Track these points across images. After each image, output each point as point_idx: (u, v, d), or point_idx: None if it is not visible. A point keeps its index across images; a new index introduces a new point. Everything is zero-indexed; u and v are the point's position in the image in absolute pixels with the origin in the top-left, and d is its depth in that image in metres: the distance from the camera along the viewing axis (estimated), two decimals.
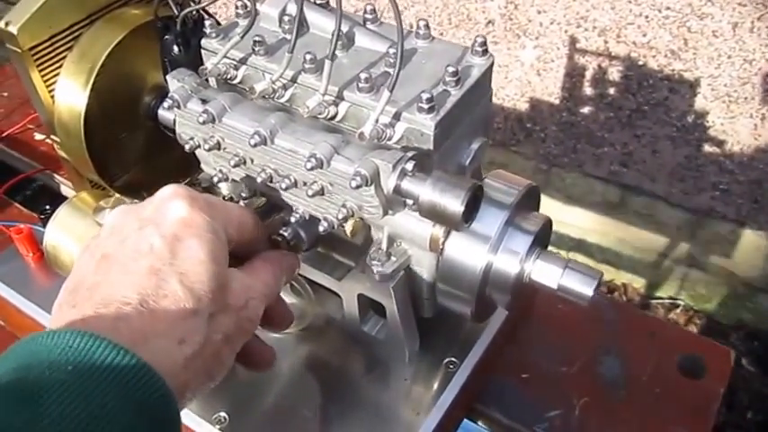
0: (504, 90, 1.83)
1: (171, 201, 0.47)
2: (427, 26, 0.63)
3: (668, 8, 1.49)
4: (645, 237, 1.91)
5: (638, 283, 2.03)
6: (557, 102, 1.77)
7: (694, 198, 1.75)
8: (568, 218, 1.98)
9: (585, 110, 1.75)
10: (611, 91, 1.68)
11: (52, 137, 0.76)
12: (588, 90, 1.71)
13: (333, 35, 0.57)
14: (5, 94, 1.22)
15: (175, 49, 0.67)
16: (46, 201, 0.94)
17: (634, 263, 1.99)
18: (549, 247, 0.64)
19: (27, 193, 1.01)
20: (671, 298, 2.00)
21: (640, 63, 1.60)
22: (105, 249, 0.46)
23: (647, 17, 1.52)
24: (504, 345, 0.80)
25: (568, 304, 0.84)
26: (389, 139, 0.58)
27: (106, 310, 0.42)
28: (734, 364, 0.80)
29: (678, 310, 1.98)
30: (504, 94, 1.84)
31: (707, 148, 1.65)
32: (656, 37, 1.54)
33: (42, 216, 0.87)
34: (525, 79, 1.78)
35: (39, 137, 1.11)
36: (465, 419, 0.76)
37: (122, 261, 0.44)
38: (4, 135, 1.12)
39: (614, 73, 1.65)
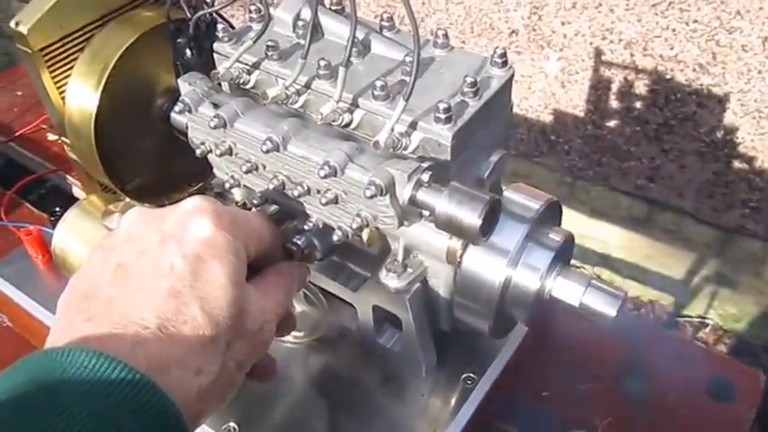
0: (527, 101, 1.81)
1: (195, 216, 0.46)
2: (446, 35, 0.61)
3: (696, 21, 1.46)
4: (672, 253, 1.87)
5: (665, 300, 1.99)
6: (581, 114, 1.75)
7: (723, 215, 1.72)
8: (594, 232, 1.95)
9: (611, 123, 1.72)
10: (638, 104, 1.65)
11: (62, 138, 0.75)
12: (614, 103, 1.69)
13: (348, 41, 0.56)
14: (19, 93, 1.21)
15: (188, 52, 0.66)
16: (58, 201, 0.94)
17: (662, 280, 1.95)
18: (574, 262, 0.62)
19: (40, 193, 1.01)
20: (699, 317, 1.96)
21: (667, 77, 1.57)
22: (122, 258, 0.44)
23: (674, 30, 1.50)
24: (525, 361, 0.77)
25: (592, 321, 0.83)
26: (405, 148, 0.56)
27: (124, 331, 0.40)
28: (765, 388, 0.77)
29: (707, 330, 1.94)
30: (527, 105, 1.82)
31: (736, 164, 1.61)
32: (683, 50, 1.51)
33: (52, 218, 0.87)
34: (549, 91, 1.76)
35: (52, 137, 1.10)
36: None
37: (140, 277, 0.43)
38: (16, 134, 1.12)
39: (641, 86, 1.62)
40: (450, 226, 0.53)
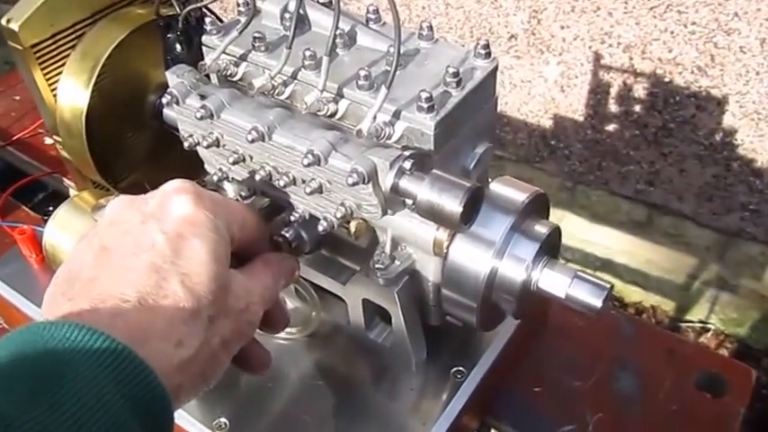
0: (527, 106, 1.81)
1: (175, 196, 0.46)
2: (430, 27, 0.62)
3: (694, 23, 1.46)
4: (673, 257, 1.87)
5: (667, 305, 1.98)
6: (581, 119, 1.75)
7: (723, 218, 1.71)
8: (595, 237, 1.95)
9: (610, 127, 1.72)
10: (637, 108, 1.65)
11: (54, 137, 0.76)
12: (613, 107, 1.69)
13: (331, 31, 0.56)
14: (17, 97, 1.21)
15: (178, 47, 0.67)
16: (56, 205, 0.94)
17: (663, 284, 1.94)
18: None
19: (39, 198, 1.01)
20: (701, 321, 1.95)
21: (666, 80, 1.57)
22: (104, 241, 0.45)
23: (672, 33, 1.50)
24: (516, 356, 0.77)
25: (584, 317, 0.83)
26: (389, 138, 0.56)
27: (103, 305, 0.40)
28: (762, 389, 0.77)
29: (709, 334, 1.93)
30: (527, 110, 1.82)
31: (735, 166, 1.61)
32: (681, 53, 1.52)
33: (45, 217, 0.87)
34: (549, 95, 1.76)
35: (49, 141, 1.09)
36: None
37: (122, 255, 0.43)
38: (14, 138, 1.12)
39: (639, 90, 1.62)
40: (431, 213, 0.53)
